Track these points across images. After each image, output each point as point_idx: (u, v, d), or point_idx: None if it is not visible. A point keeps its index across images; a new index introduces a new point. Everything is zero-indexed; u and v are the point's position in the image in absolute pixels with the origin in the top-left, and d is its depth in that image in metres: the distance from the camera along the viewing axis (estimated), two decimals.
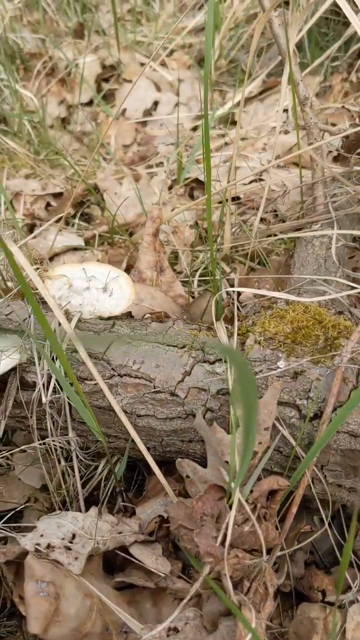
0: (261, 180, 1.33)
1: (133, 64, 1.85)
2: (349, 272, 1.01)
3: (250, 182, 1.31)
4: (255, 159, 1.41)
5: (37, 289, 0.81)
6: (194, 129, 1.67)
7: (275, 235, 1.09)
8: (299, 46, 1.72)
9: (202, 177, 1.43)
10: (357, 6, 0.84)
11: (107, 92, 1.84)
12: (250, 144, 1.47)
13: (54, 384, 0.80)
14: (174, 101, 1.74)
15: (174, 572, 0.84)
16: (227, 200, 1.05)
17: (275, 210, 1.23)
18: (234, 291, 0.96)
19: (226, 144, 1.56)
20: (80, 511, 0.87)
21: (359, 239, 1.09)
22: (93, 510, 0.84)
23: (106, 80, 1.91)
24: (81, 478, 0.88)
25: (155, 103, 1.76)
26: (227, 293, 1.00)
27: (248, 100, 1.68)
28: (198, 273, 1.16)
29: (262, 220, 1.16)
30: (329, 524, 0.88)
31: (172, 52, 1.89)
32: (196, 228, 1.25)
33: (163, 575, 0.80)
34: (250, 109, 1.65)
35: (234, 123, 1.63)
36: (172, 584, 0.80)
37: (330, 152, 1.18)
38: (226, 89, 1.77)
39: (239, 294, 1.00)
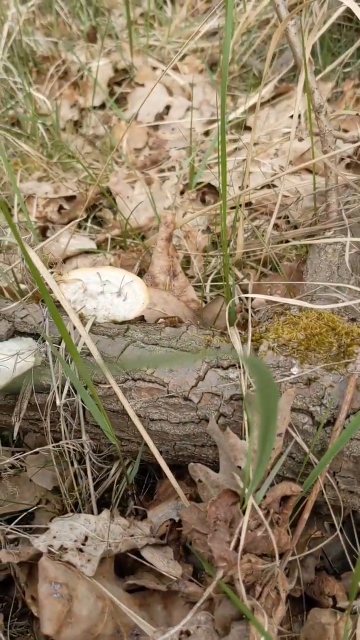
0: (274, 186, 1.33)
1: (145, 68, 1.86)
2: None
3: (262, 187, 1.31)
4: (267, 164, 1.42)
5: (52, 293, 0.81)
6: (206, 133, 1.67)
7: (288, 241, 1.10)
8: (312, 52, 1.73)
9: (214, 182, 1.43)
10: None
11: (119, 95, 1.85)
12: (262, 150, 1.47)
13: (68, 387, 0.81)
14: (186, 105, 1.75)
15: (185, 576, 0.84)
16: (240, 205, 1.05)
17: (288, 217, 1.23)
18: (247, 297, 0.96)
19: (237, 149, 1.56)
20: (93, 513, 0.87)
21: None
22: (105, 513, 0.84)
23: (118, 84, 1.92)
24: (93, 480, 0.89)
25: (167, 107, 1.77)
26: (240, 299, 1.00)
27: (260, 105, 1.69)
28: (210, 278, 1.17)
29: (275, 226, 1.17)
30: (340, 530, 0.89)
31: (184, 56, 1.90)
32: (208, 233, 1.25)
33: (175, 578, 0.81)
34: (262, 114, 1.65)
35: (246, 128, 1.63)
36: (184, 587, 0.80)
37: (342, 159, 1.18)
38: (238, 94, 1.77)
39: (252, 300, 1.01)
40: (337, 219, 1.05)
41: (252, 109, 1.65)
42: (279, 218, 1.21)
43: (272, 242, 1.10)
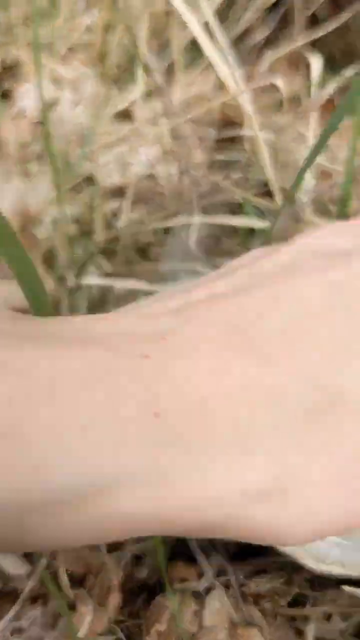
0: (151, 174, 1.32)
1: (32, 63, 1.83)
2: (215, 261, 1.01)
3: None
4: (144, 154, 1.41)
5: None
6: (94, 125, 1.66)
7: (145, 224, 1.09)
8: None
9: (95, 173, 1.41)
10: None
11: (5, 91, 1.82)
12: (144, 139, 1.46)
13: None
14: (73, 99, 1.73)
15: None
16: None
17: (153, 200, 1.22)
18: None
19: (121, 139, 1.55)
20: None
21: (228, 228, 1.09)
22: None
23: (5, 80, 1.89)
24: None
25: (55, 101, 1.74)
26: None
27: (149, 95, 1.68)
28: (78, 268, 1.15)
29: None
30: None
31: (72, 49, 1.88)
32: (77, 224, 1.24)
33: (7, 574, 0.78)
34: (148, 105, 1.64)
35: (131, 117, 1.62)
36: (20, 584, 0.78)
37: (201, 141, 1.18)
38: (126, 85, 1.76)
39: None
40: (190, 202, 1.04)
41: (141, 100, 1.64)
42: (146, 203, 1.20)
43: (131, 226, 1.09)
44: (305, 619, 0.84)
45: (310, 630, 0.82)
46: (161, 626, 0.74)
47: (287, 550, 0.65)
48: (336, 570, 0.64)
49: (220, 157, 1.04)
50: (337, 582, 0.76)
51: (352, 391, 0.26)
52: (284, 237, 0.87)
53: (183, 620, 0.78)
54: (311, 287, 0.27)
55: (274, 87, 1.05)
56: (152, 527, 0.24)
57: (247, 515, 0.26)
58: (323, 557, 0.65)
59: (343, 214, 0.76)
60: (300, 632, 0.83)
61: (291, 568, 0.88)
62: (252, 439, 0.25)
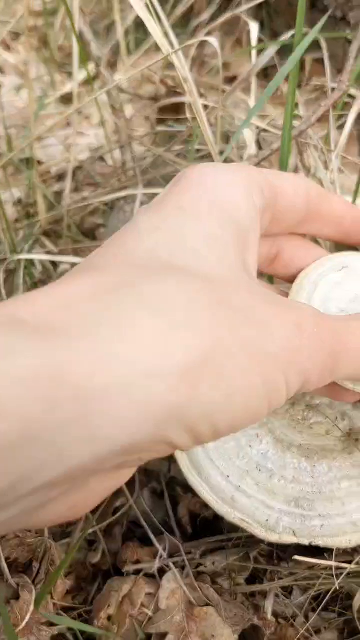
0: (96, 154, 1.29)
1: None
2: None
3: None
4: (92, 134, 1.37)
5: None
6: (39, 109, 1.61)
7: (89, 203, 1.05)
8: None
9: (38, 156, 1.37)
10: None
11: None
12: (87, 120, 1.43)
13: None
14: (18, 84, 1.67)
15: None
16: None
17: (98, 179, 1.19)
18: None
19: (68, 124, 1.51)
20: None
21: None
22: None
23: None
24: None
25: None
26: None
27: (92, 78, 1.64)
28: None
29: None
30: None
31: (16, 34, 1.82)
32: (21, 206, 1.19)
33: None
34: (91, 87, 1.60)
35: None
36: None
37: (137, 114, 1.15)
38: (70, 69, 1.71)
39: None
40: (133, 176, 1.01)
41: (84, 83, 1.60)
42: (89, 183, 1.17)
43: (74, 204, 1.05)
44: (264, 594, 0.82)
45: (269, 606, 0.81)
46: (111, 610, 0.71)
47: (236, 520, 0.63)
48: (287, 538, 0.62)
49: (163, 129, 1.01)
50: (294, 553, 0.75)
51: None
52: None
53: (136, 604, 0.75)
54: None
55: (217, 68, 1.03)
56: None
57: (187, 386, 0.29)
58: (273, 526, 0.63)
59: None
60: (259, 608, 0.81)
61: (246, 544, 0.86)
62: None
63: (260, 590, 0.83)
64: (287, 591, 0.84)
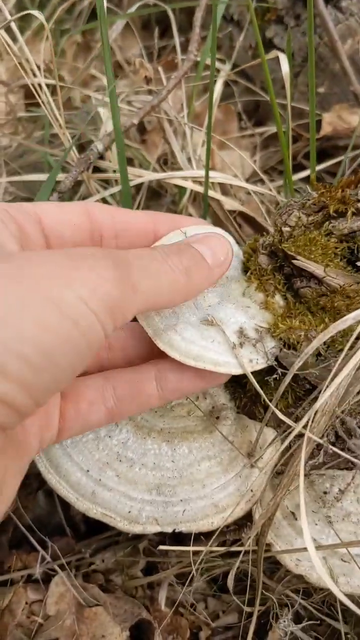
0: None
1: None
2: None
3: None
4: None
5: None
6: None
7: None
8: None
9: None
10: None
11: None
12: None
13: None
14: None
15: None
16: None
17: None
18: None
19: None
20: None
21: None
22: None
23: None
24: None
25: None
26: None
27: None
28: None
29: None
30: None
31: None
32: None
33: None
34: None
35: None
36: None
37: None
38: None
39: None
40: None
41: None
42: None
43: None
44: (159, 585, 0.80)
45: (162, 597, 0.78)
46: None
47: (98, 515, 0.60)
48: (150, 528, 0.59)
49: (27, 115, 0.96)
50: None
51: None
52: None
53: (16, 614, 0.71)
54: None
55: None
56: None
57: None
58: (136, 517, 0.60)
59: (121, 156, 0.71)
60: (154, 600, 0.79)
61: (135, 537, 0.83)
62: None
63: (158, 581, 0.81)
64: (187, 578, 0.83)
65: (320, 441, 0.53)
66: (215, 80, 0.90)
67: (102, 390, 0.56)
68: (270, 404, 0.56)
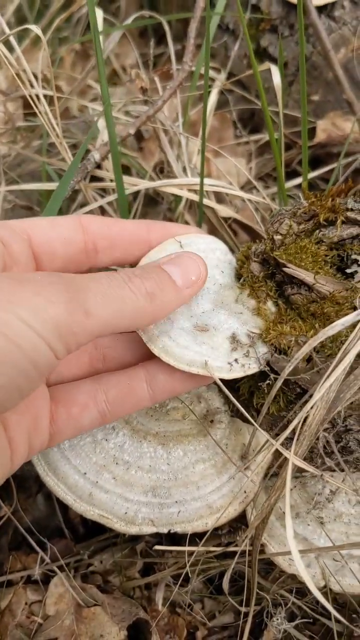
0: None
1: None
2: None
3: None
4: None
5: None
6: None
7: None
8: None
9: None
10: None
11: None
12: None
13: None
14: None
15: None
16: None
17: None
18: None
19: None
20: None
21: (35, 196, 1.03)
22: None
23: None
24: None
25: None
26: None
27: None
28: None
29: None
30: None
31: None
32: None
33: None
34: None
35: None
36: None
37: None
38: None
39: None
40: None
41: None
42: None
43: None
44: (156, 585, 0.81)
45: (159, 597, 0.80)
46: None
47: (95, 517, 0.62)
48: (146, 529, 0.61)
49: (25, 124, 0.98)
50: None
51: None
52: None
53: (16, 614, 0.73)
54: None
55: None
56: None
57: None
58: (132, 518, 0.61)
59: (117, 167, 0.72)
60: (152, 600, 0.80)
61: (133, 538, 0.85)
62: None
63: (155, 582, 0.82)
64: (183, 578, 0.84)
65: (300, 463, 0.54)
66: (210, 90, 0.92)
67: (94, 393, 0.57)
68: (255, 424, 0.57)
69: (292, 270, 0.60)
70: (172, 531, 0.61)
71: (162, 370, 0.57)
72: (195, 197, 0.80)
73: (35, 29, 0.66)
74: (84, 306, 0.45)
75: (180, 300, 0.56)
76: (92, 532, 0.87)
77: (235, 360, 0.57)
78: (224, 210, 0.82)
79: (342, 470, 0.64)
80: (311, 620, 0.80)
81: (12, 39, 0.74)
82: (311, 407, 0.53)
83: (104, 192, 0.88)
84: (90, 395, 0.57)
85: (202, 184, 0.74)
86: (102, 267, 0.63)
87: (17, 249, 0.54)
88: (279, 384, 0.56)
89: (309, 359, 0.59)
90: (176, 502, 0.61)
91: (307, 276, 0.60)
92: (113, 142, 0.67)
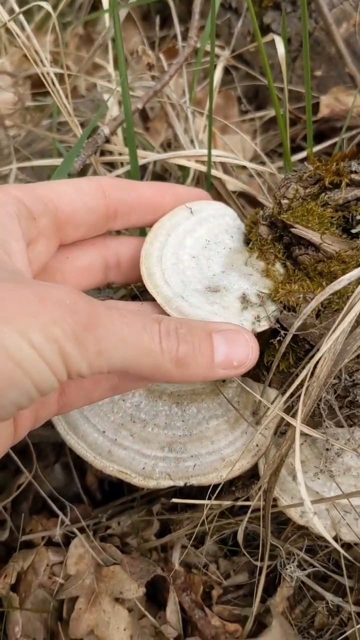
0: None
1: None
2: None
3: None
4: None
5: None
6: None
7: None
8: None
9: None
10: None
11: None
12: None
13: None
14: None
15: None
16: None
17: None
18: None
19: None
20: None
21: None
22: None
23: None
24: None
25: None
26: None
27: None
28: None
29: None
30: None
31: None
32: None
33: None
34: None
35: None
36: None
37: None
38: None
39: None
40: (8, 154, 1.00)
41: None
42: None
43: None
44: (172, 548, 0.84)
45: (176, 556, 0.83)
46: (8, 579, 0.72)
47: (115, 472, 0.64)
48: (164, 482, 0.64)
49: (34, 104, 1.00)
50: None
51: None
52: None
53: (39, 572, 0.76)
54: None
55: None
56: None
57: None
58: (150, 473, 0.64)
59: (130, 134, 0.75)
60: (168, 560, 0.83)
61: (149, 501, 0.88)
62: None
63: (171, 543, 0.85)
64: (198, 540, 0.87)
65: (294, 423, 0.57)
66: (216, 65, 0.94)
67: None
68: (263, 392, 0.60)
69: (300, 230, 0.62)
70: (188, 484, 0.64)
71: None
72: (203, 169, 0.82)
73: (46, 5, 0.69)
74: (98, 345, 0.42)
75: (208, 376, 0.51)
76: (109, 498, 0.90)
77: (246, 318, 0.60)
78: (232, 182, 0.84)
79: (351, 426, 0.66)
80: (324, 579, 0.83)
81: (22, 18, 0.76)
82: (319, 359, 0.56)
83: (112, 167, 0.90)
84: None
85: (209, 153, 0.77)
86: (117, 230, 0.65)
87: (45, 221, 0.55)
88: (288, 338, 0.59)
89: (317, 315, 0.61)
90: (192, 456, 0.64)
91: (314, 236, 0.62)
92: (127, 109, 0.69)
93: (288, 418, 0.56)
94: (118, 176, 0.83)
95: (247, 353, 0.53)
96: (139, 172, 0.77)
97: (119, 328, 0.44)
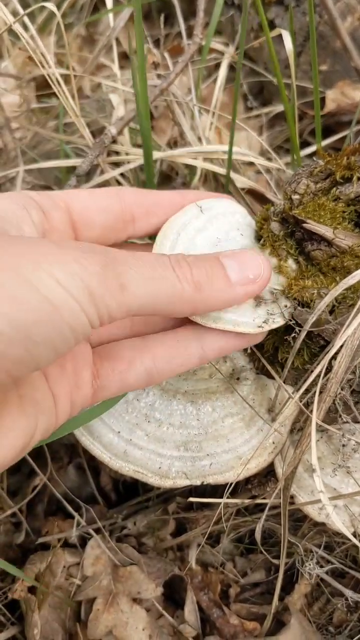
0: None
1: None
2: None
3: None
4: None
5: None
6: None
7: None
8: None
9: None
10: None
11: None
12: None
13: None
14: None
15: None
16: None
17: None
18: None
19: None
20: None
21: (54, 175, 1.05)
22: None
23: None
24: None
25: None
26: None
27: None
28: None
29: None
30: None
31: None
32: None
33: None
34: None
35: None
36: None
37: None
38: None
39: None
40: (15, 156, 1.00)
41: None
42: None
43: None
44: (189, 547, 0.84)
45: (192, 556, 0.83)
46: (27, 582, 0.72)
47: (131, 473, 0.64)
48: (180, 482, 0.64)
49: (38, 106, 1.00)
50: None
51: None
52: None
53: (56, 573, 0.76)
54: None
55: None
56: None
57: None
58: (166, 472, 0.64)
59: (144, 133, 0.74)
60: (185, 560, 0.83)
61: (165, 500, 0.88)
62: None
63: (188, 542, 0.85)
64: (214, 539, 0.87)
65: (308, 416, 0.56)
66: (220, 62, 0.94)
67: (140, 349, 0.55)
68: (279, 380, 0.59)
69: (312, 226, 0.62)
70: (204, 483, 0.63)
71: (210, 330, 0.57)
72: (213, 168, 0.81)
73: (50, 6, 0.68)
74: (119, 279, 0.44)
75: (231, 296, 0.53)
76: (123, 498, 0.90)
77: (260, 315, 0.59)
78: (240, 180, 0.84)
79: None
80: (341, 576, 0.82)
81: (26, 20, 0.76)
82: (336, 354, 0.55)
83: (119, 167, 0.90)
84: (137, 351, 0.55)
85: (230, 150, 0.76)
86: (141, 237, 0.64)
87: (56, 216, 0.55)
88: (303, 334, 0.58)
89: (331, 311, 0.60)
90: (208, 455, 0.64)
91: (326, 231, 0.61)
92: (144, 99, 0.68)
93: (307, 411, 0.56)
94: (124, 177, 0.83)
95: (259, 264, 0.55)
96: (153, 167, 0.77)
97: (133, 262, 0.46)
